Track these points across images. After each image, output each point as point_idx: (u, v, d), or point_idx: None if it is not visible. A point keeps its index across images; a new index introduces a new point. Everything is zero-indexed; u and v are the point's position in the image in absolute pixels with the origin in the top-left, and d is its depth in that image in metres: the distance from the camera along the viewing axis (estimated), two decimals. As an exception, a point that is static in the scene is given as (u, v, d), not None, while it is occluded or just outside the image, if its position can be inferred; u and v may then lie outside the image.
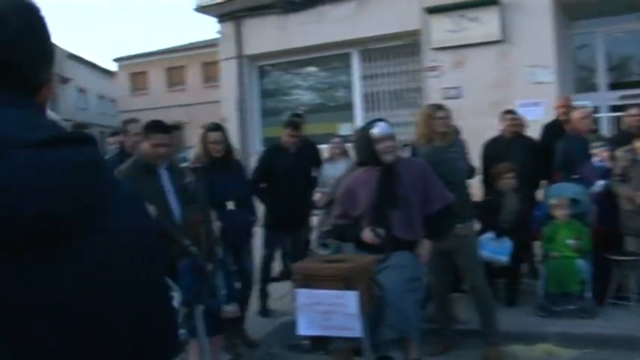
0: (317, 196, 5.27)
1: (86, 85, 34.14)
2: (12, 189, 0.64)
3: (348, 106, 9.01)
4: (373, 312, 3.10)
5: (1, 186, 0.63)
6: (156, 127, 3.56)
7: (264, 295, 5.19)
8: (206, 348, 3.16)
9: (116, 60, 31.28)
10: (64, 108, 31.40)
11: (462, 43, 7.70)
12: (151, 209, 1.49)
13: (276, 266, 5.60)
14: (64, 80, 31.55)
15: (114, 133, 5.01)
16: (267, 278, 5.26)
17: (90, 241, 0.71)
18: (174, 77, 29.15)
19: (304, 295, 3.07)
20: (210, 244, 3.42)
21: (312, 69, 9.58)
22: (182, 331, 1.11)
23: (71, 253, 0.69)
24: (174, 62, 29.12)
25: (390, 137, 3.49)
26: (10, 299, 0.64)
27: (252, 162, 6.87)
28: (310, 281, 3.10)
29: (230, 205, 4.28)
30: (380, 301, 3.15)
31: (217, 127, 4.46)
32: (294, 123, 5.41)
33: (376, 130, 3.46)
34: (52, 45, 0.83)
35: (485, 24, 7.53)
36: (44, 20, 0.82)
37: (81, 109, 33.18)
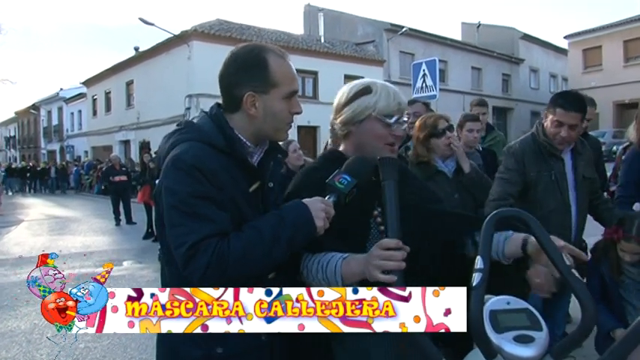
0: None
1: (538, 65, 35.49)
2: None
3: None
4: None
5: None
6: (571, 103, 2.86)
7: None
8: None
9: (567, 37, 31.19)
10: (516, 88, 33.80)
11: None
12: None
13: None
14: (518, 61, 33.89)
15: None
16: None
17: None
18: (633, 50, 27.11)
19: None
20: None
21: None
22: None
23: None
24: (632, 33, 27.03)
25: None
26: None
27: None
28: None
29: None
30: None
31: None
32: None
33: None
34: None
35: None
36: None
37: (532, 88, 34.95)
